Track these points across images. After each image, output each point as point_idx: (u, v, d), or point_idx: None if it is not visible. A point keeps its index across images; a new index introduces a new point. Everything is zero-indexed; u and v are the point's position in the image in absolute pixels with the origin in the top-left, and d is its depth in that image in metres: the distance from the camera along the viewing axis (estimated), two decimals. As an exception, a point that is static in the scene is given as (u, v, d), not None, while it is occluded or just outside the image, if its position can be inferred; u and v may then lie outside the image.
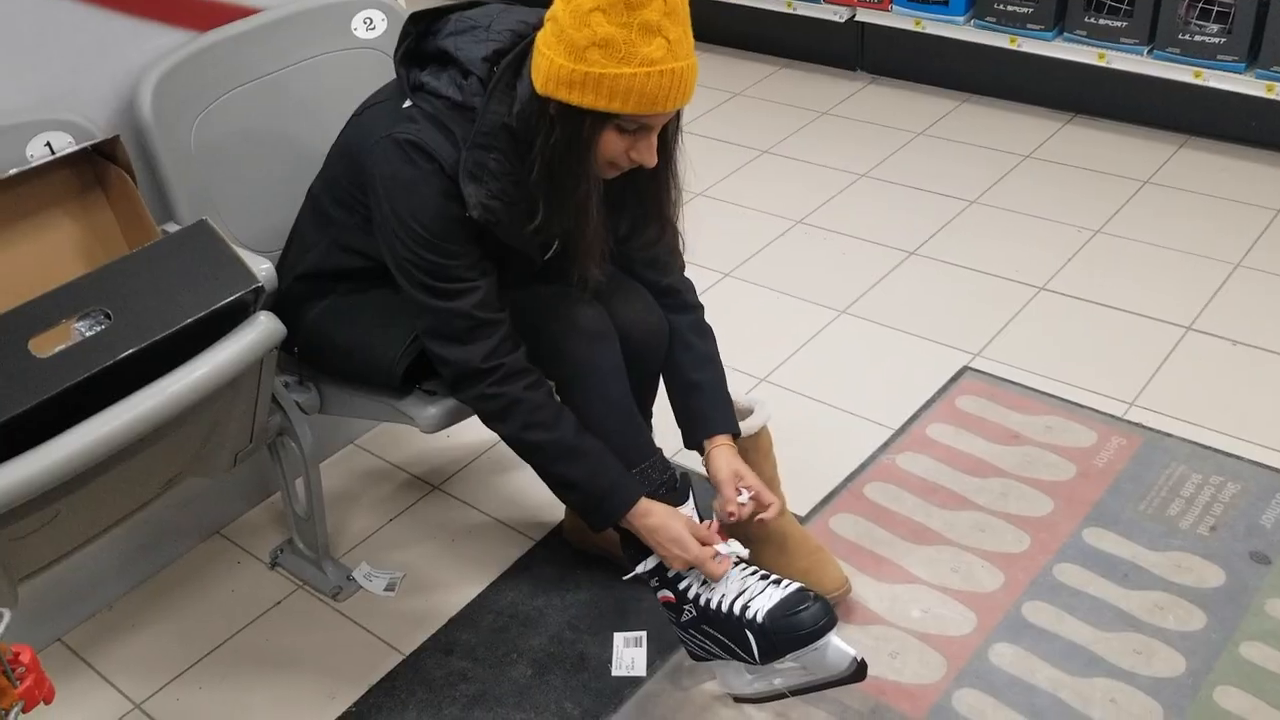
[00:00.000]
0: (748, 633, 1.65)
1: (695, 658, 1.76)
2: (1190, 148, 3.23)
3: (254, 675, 1.90)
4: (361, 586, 2.04)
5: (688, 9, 1.48)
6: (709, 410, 1.81)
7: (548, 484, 1.72)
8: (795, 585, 1.67)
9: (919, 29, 3.53)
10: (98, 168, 1.70)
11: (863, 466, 2.21)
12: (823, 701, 1.74)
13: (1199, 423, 2.25)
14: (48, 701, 1.10)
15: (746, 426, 1.87)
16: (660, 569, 1.72)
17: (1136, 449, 2.18)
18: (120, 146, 1.67)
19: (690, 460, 2.08)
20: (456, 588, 2.03)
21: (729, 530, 1.77)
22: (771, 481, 1.93)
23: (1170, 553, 1.96)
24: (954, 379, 2.42)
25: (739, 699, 1.76)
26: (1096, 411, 2.29)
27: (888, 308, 2.68)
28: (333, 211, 1.74)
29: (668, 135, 1.62)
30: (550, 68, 1.47)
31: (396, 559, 2.10)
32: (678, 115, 1.61)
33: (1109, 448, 2.19)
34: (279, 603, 2.03)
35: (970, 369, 2.45)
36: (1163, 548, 1.97)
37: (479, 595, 2.00)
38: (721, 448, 1.79)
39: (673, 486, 1.73)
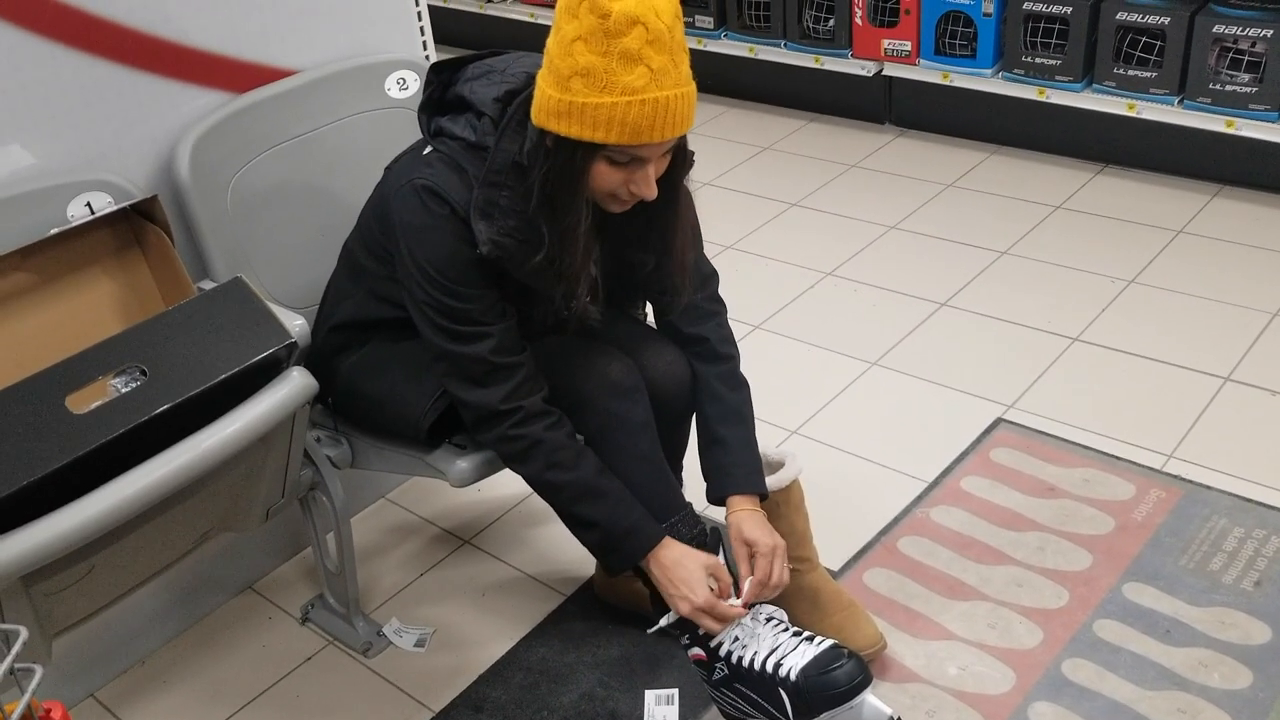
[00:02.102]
0: (781, 691, 1.62)
1: (727, 717, 1.74)
2: (1223, 197, 3.21)
3: (284, 732, 1.89)
4: (391, 642, 2.03)
5: (678, 37, 1.46)
6: (730, 468, 1.78)
7: (567, 524, 1.71)
8: (829, 642, 1.65)
9: (947, 82, 3.54)
10: (136, 227, 1.73)
11: (896, 520, 2.18)
12: (858, 761, 1.70)
13: (1240, 475, 2.21)
14: (78, 759, 1.10)
15: (778, 480, 1.86)
16: (691, 625, 1.70)
17: (1176, 502, 2.15)
18: (158, 206, 1.70)
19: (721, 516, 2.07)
20: (487, 644, 2.01)
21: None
22: (803, 536, 1.91)
23: (1214, 608, 1.92)
24: (988, 431, 2.40)
25: None
26: (1134, 464, 2.26)
27: (919, 359, 2.66)
28: (365, 263, 1.76)
29: (676, 174, 1.62)
30: (541, 98, 1.49)
31: (427, 614, 2.09)
32: (685, 151, 1.61)
33: (1148, 500, 2.16)
34: (310, 658, 2.02)
35: (1004, 420, 2.42)
36: (1206, 603, 1.93)
37: (509, 651, 1.99)
38: (739, 513, 1.74)
39: (702, 542, 1.71)
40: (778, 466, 1.90)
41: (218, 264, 1.85)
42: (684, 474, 1.93)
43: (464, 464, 1.77)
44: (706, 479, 1.81)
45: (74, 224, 1.66)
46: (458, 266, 1.59)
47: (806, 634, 1.68)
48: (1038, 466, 2.28)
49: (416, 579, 2.18)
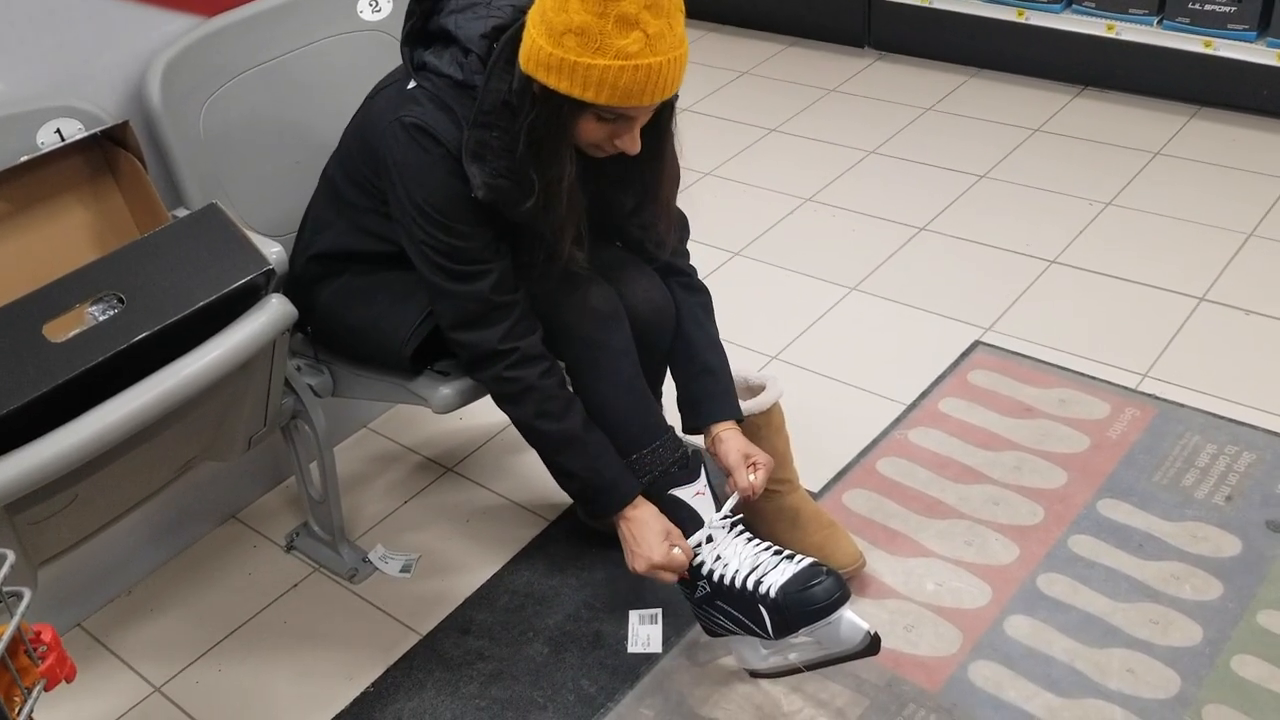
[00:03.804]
0: (761, 608, 1.65)
1: (710, 633, 1.77)
2: (1201, 118, 3.21)
3: (272, 657, 1.91)
4: (377, 568, 2.05)
5: (677, 1, 1.45)
6: (721, 395, 1.81)
7: (549, 469, 1.73)
8: (808, 560, 1.67)
9: (926, 4, 3.51)
10: (108, 154, 1.71)
11: (875, 442, 2.21)
12: (838, 675, 1.74)
13: (1213, 393, 2.24)
14: (69, 680, 1.11)
15: (758, 403, 1.87)
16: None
17: (1150, 420, 2.18)
18: (130, 132, 1.67)
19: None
20: (472, 568, 2.03)
21: (748, 510, 1.77)
22: (784, 458, 1.93)
23: (1186, 523, 1.96)
24: (966, 354, 2.42)
25: (754, 674, 1.76)
26: (1110, 384, 2.29)
27: (898, 284, 2.67)
28: (348, 194, 1.74)
29: (662, 121, 1.61)
30: (531, 47, 1.47)
31: (412, 541, 2.11)
32: (670, 103, 1.60)
33: (1123, 419, 2.19)
34: (296, 585, 2.04)
35: (982, 343, 2.44)
36: (1178, 518, 1.97)
37: (494, 575, 2.01)
38: (730, 431, 1.79)
39: (684, 464, 1.73)
40: (758, 390, 1.92)
41: (192, 191, 1.82)
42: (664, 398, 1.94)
43: (447, 390, 1.78)
44: (693, 405, 1.81)
45: (44, 151, 1.63)
46: (456, 205, 1.58)
47: (787, 552, 1.70)
48: (1015, 388, 2.30)
49: (400, 506, 2.20)
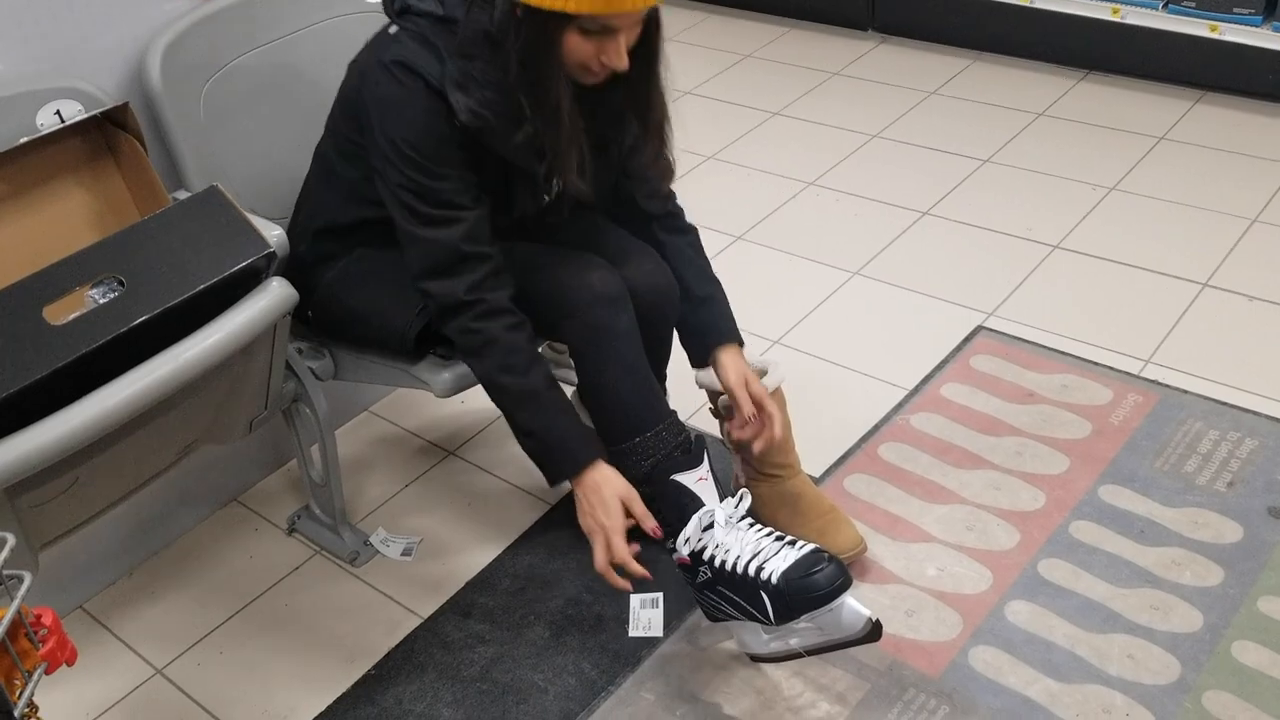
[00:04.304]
0: (763, 594, 1.64)
1: (711, 618, 1.77)
2: (1206, 103, 3.19)
3: (273, 640, 1.91)
4: (379, 551, 2.05)
5: None
6: (719, 321, 1.83)
7: (511, 427, 1.71)
8: (810, 546, 1.66)
9: (930, -13, 3.49)
10: (108, 135, 1.70)
11: (877, 427, 2.20)
12: (840, 660, 1.75)
13: (1216, 379, 2.23)
14: (70, 663, 1.11)
15: (760, 388, 1.87)
16: (673, 526, 1.72)
17: (1153, 406, 2.17)
18: (130, 113, 1.66)
19: (707, 426, 2.08)
20: (473, 552, 2.04)
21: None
22: (785, 443, 1.93)
23: (1187, 509, 1.95)
24: (968, 338, 2.41)
25: (755, 658, 1.76)
26: (1112, 369, 2.28)
27: (901, 268, 2.66)
28: (339, 168, 1.74)
29: (650, 42, 1.61)
30: None
31: (413, 524, 2.11)
32: (656, 22, 1.60)
33: (1125, 405, 2.18)
34: (297, 568, 2.04)
35: (984, 328, 2.44)
36: (1180, 504, 1.96)
37: (496, 559, 2.01)
38: (731, 351, 1.80)
39: (687, 449, 1.72)
40: (761, 374, 1.91)
41: (192, 174, 1.82)
42: (668, 382, 1.93)
43: (448, 374, 1.77)
44: (691, 339, 1.83)
45: (44, 132, 1.62)
46: (432, 142, 1.57)
47: (789, 539, 1.69)
48: (1017, 373, 2.30)
49: (402, 490, 2.20)
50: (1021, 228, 2.76)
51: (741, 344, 1.84)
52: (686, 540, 1.68)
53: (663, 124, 1.71)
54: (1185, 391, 2.20)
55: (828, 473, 2.11)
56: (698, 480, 1.70)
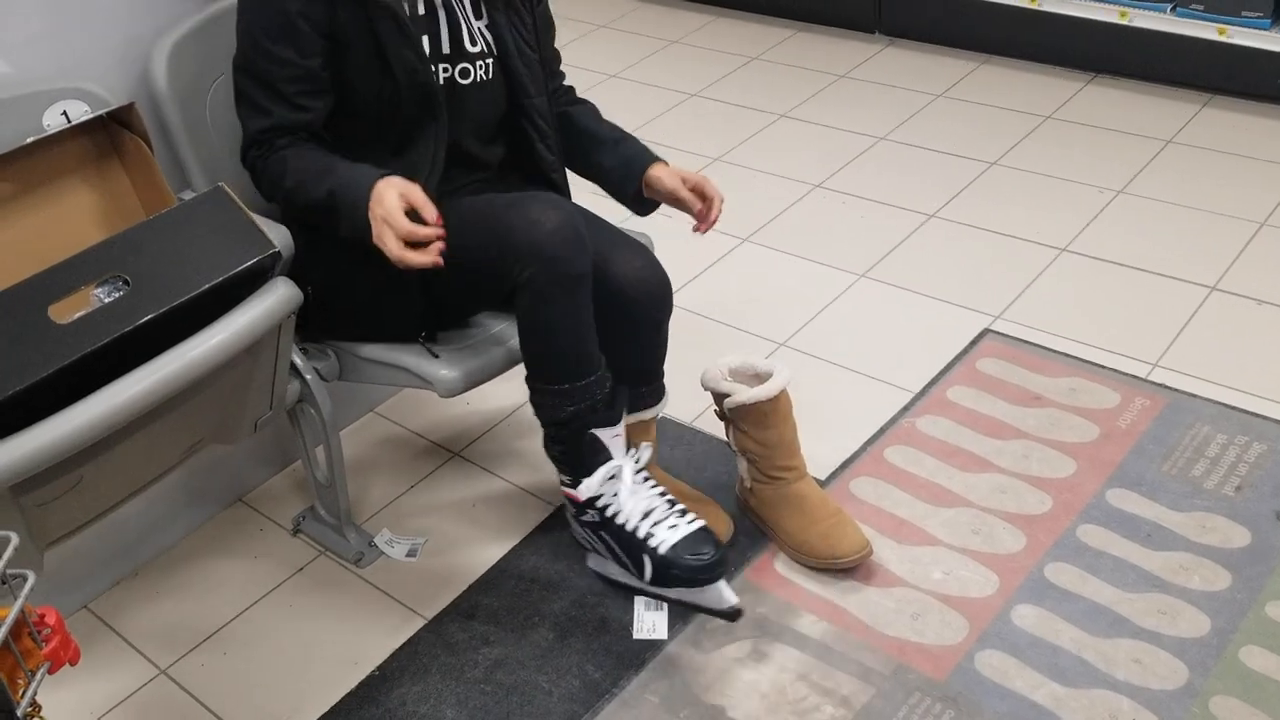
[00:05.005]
0: (645, 556, 1.73)
1: (580, 545, 1.87)
2: (1213, 106, 3.18)
3: (277, 641, 1.91)
4: (383, 552, 2.05)
5: None
6: (640, 150, 1.88)
7: (320, 220, 1.67)
8: (699, 523, 1.74)
9: (938, -11, 3.48)
10: (114, 135, 1.70)
11: (883, 430, 2.20)
12: (844, 663, 1.74)
13: (1224, 383, 2.22)
14: (73, 663, 1.11)
15: (765, 390, 1.87)
16: (573, 469, 1.76)
17: (1160, 410, 2.16)
18: (136, 114, 1.66)
19: (711, 427, 2.07)
20: (478, 553, 2.03)
21: (753, 497, 1.76)
22: (791, 445, 1.92)
23: (1195, 513, 1.95)
24: (975, 341, 2.40)
25: (601, 576, 1.89)
26: (1119, 373, 2.27)
27: (907, 271, 2.66)
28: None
29: None
30: None
31: (418, 525, 2.11)
32: None
33: (1132, 409, 2.17)
34: (301, 569, 2.04)
35: (991, 331, 2.43)
36: (1187, 508, 1.96)
37: (500, 560, 2.01)
38: (658, 166, 1.85)
39: (610, 405, 1.74)
40: (766, 377, 1.91)
41: (197, 174, 1.82)
42: (667, 380, 1.93)
43: (452, 374, 1.77)
44: (615, 177, 1.88)
45: (50, 132, 1.62)
46: (277, 12, 1.63)
47: (679, 506, 1.76)
48: (1024, 376, 2.29)
49: (407, 491, 2.19)
50: (1029, 230, 2.75)
51: (665, 161, 1.88)
52: (588, 487, 1.74)
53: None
54: (1193, 395, 2.20)
55: (834, 475, 2.10)
56: (613, 437, 1.75)
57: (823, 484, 2.07)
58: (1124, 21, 3.19)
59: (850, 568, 1.88)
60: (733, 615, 1.76)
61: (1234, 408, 2.16)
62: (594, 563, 1.92)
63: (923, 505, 2.02)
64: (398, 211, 1.58)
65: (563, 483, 1.80)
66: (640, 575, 1.75)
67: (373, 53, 1.67)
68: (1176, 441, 2.09)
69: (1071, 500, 1.99)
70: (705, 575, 1.71)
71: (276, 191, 1.72)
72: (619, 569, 1.82)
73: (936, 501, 2.03)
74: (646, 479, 1.78)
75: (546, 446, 1.80)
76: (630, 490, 1.75)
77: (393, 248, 1.58)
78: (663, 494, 1.77)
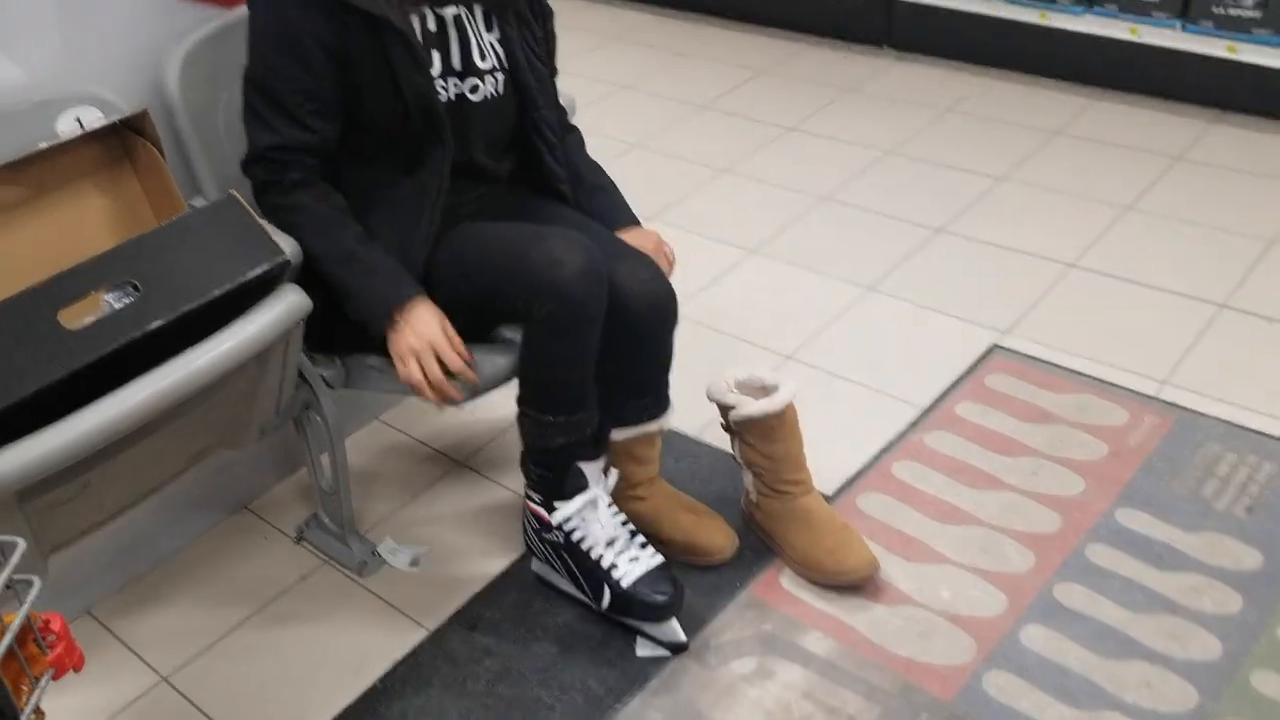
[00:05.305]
0: (605, 585, 1.79)
1: (536, 560, 1.91)
2: (1223, 123, 3.18)
3: (280, 649, 1.90)
4: (386, 561, 2.04)
5: None
6: (619, 206, 1.92)
7: (337, 295, 1.68)
8: (659, 560, 1.80)
9: (947, 5, 3.48)
10: (127, 142, 1.70)
11: (890, 445, 2.19)
12: (850, 682, 1.73)
13: (1234, 401, 2.22)
14: (77, 669, 1.10)
15: (772, 403, 1.86)
16: (549, 491, 1.81)
17: (1170, 428, 2.16)
18: (149, 121, 1.66)
19: (717, 439, 2.07)
20: (481, 563, 2.02)
21: (760, 512, 1.75)
22: (797, 460, 1.91)
23: (1206, 534, 1.93)
24: (983, 357, 2.40)
25: (543, 580, 1.93)
26: (1128, 390, 2.26)
27: (915, 285, 2.65)
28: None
29: None
30: None
31: (421, 534, 2.10)
32: None
33: (1142, 427, 2.17)
34: (304, 578, 2.03)
35: (999, 347, 2.42)
36: (1198, 529, 1.94)
37: (503, 571, 2.00)
38: (631, 231, 1.88)
39: (597, 442, 1.81)
40: (772, 390, 1.90)
41: (209, 182, 1.81)
42: (672, 392, 1.92)
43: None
44: (597, 219, 1.88)
45: (63, 139, 1.62)
46: (282, 24, 1.62)
47: (640, 538, 1.83)
48: (1032, 392, 2.28)
49: (410, 500, 2.19)
50: (1037, 246, 2.74)
51: (639, 224, 1.92)
52: (563, 513, 1.80)
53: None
54: (1203, 414, 2.19)
55: (840, 491, 2.09)
56: (596, 470, 1.82)
57: (830, 499, 2.06)
58: (1133, 38, 3.19)
59: (857, 584, 1.87)
60: (678, 649, 1.80)
61: (1244, 427, 2.15)
62: (538, 568, 1.94)
63: (931, 522, 2.01)
64: (445, 344, 1.65)
65: (530, 497, 1.85)
66: (596, 601, 1.82)
67: (384, 75, 1.66)
68: (1186, 460, 2.08)
69: (1081, 519, 1.98)
70: (664, 613, 1.78)
71: (288, 233, 1.69)
72: (568, 584, 1.87)
73: (945, 518, 2.01)
74: (610, 506, 1.83)
75: (525, 464, 1.84)
76: (594, 513, 1.81)
77: (433, 371, 1.65)
78: (624, 523, 1.83)
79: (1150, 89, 3.32)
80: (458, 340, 1.68)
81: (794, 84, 3.64)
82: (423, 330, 1.65)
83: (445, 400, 1.68)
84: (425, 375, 1.65)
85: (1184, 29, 3.11)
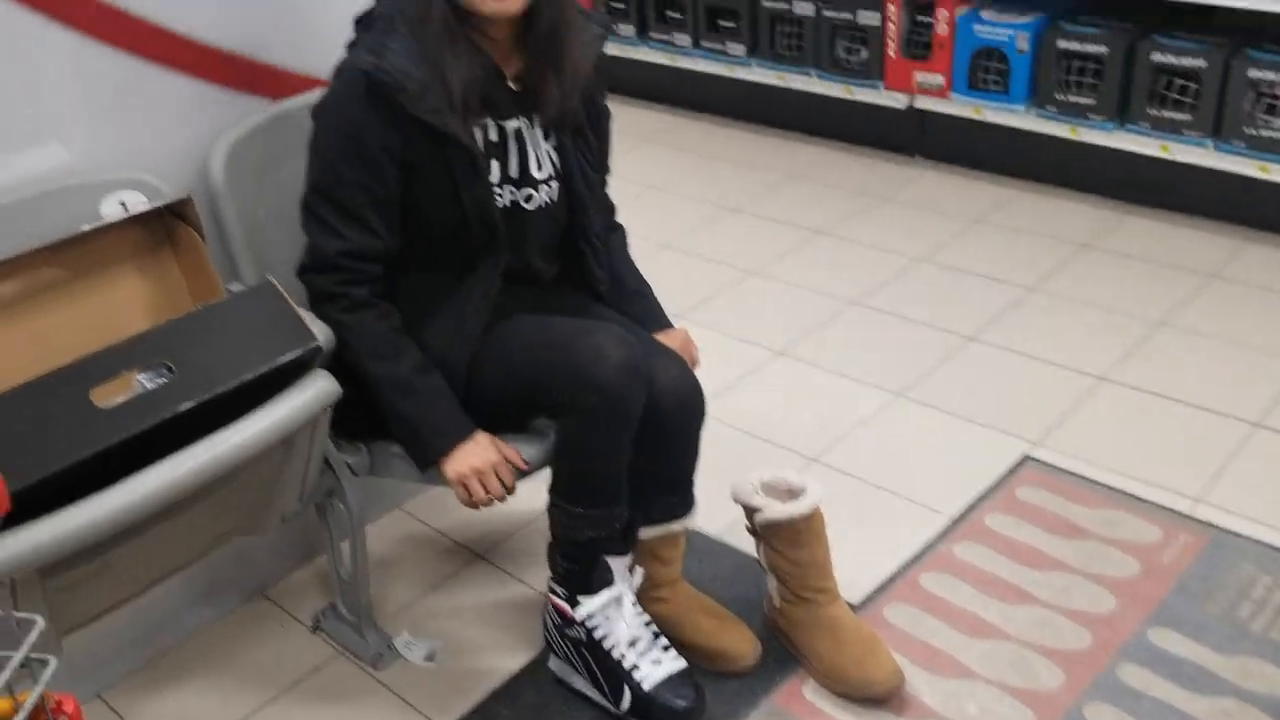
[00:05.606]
0: (626, 685, 1.77)
1: (555, 656, 1.89)
2: (1256, 243, 3.18)
3: (290, 742, 1.87)
4: (402, 655, 2.01)
5: None
6: (654, 311, 1.95)
7: (386, 411, 1.71)
8: (682, 664, 1.79)
9: (979, 117, 3.53)
10: (169, 225, 1.73)
11: (919, 555, 2.15)
12: (873, 797, 1.67)
13: (1269, 522, 2.17)
14: (87, 756, 1.08)
15: (798, 507, 1.84)
16: (574, 585, 1.80)
17: (1203, 547, 2.11)
18: (191, 207, 1.69)
19: (739, 538, 2.04)
20: (498, 660, 1.99)
21: (785, 620, 1.72)
22: (824, 567, 1.89)
23: (1240, 657, 1.88)
24: (1014, 468, 2.37)
25: (562, 682, 1.89)
26: (1161, 507, 2.23)
27: (945, 392, 2.64)
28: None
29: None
30: None
31: (438, 627, 2.07)
32: None
33: (1175, 545, 2.12)
34: (319, 668, 2.00)
35: (1030, 458, 2.40)
36: (1231, 651, 1.89)
37: (521, 670, 1.96)
38: (666, 333, 1.91)
39: (625, 537, 1.81)
40: (799, 492, 1.88)
41: (246, 267, 1.84)
42: (697, 491, 1.90)
43: (485, 477, 1.75)
44: (635, 321, 1.90)
45: (107, 221, 1.65)
46: (345, 130, 1.64)
47: (663, 640, 1.81)
48: (1063, 505, 2.25)
49: (429, 591, 2.16)
50: (1067, 358, 2.73)
51: (672, 327, 1.96)
52: (587, 609, 1.79)
53: (578, 73, 1.75)
54: (1237, 534, 2.14)
55: (867, 600, 2.05)
56: (622, 566, 1.81)
57: (856, 608, 2.02)
58: (1165, 155, 3.21)
59: (883, 697, 1.82)
60: None
61: (1279, 549, 2.10)
62: (556, 666, 1.91)
63: (959, 635, 1.96)
64: (505, 465, 1.71)
65: (553, 591, 1.83)
66: (616, 702, 1.79)
67: (445, 185, 1.69)
68: (1220, 581, 2.03)
69: (1111, 637, 1.93)
70: (685, 719, 1.75)
71: (341, 350, 1.70)
72: (586, 683, 1.84)
73: (973, 632, 1.97)
74: (634, 604, 1.81)
75: (551, 556, 1.83)
76: (617, 610, 1.79)
77: (495, 491, 1.71)
78: (648, 624, 1.82)
79: (1182, 206, 3.34)
80: (514, 455, 1.72)
81: (825, 189, 3.68)
82: (485, 455, 1.70)
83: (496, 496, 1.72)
84: (485, 491, 1.70)
85: (1216, 148, 3.14)
